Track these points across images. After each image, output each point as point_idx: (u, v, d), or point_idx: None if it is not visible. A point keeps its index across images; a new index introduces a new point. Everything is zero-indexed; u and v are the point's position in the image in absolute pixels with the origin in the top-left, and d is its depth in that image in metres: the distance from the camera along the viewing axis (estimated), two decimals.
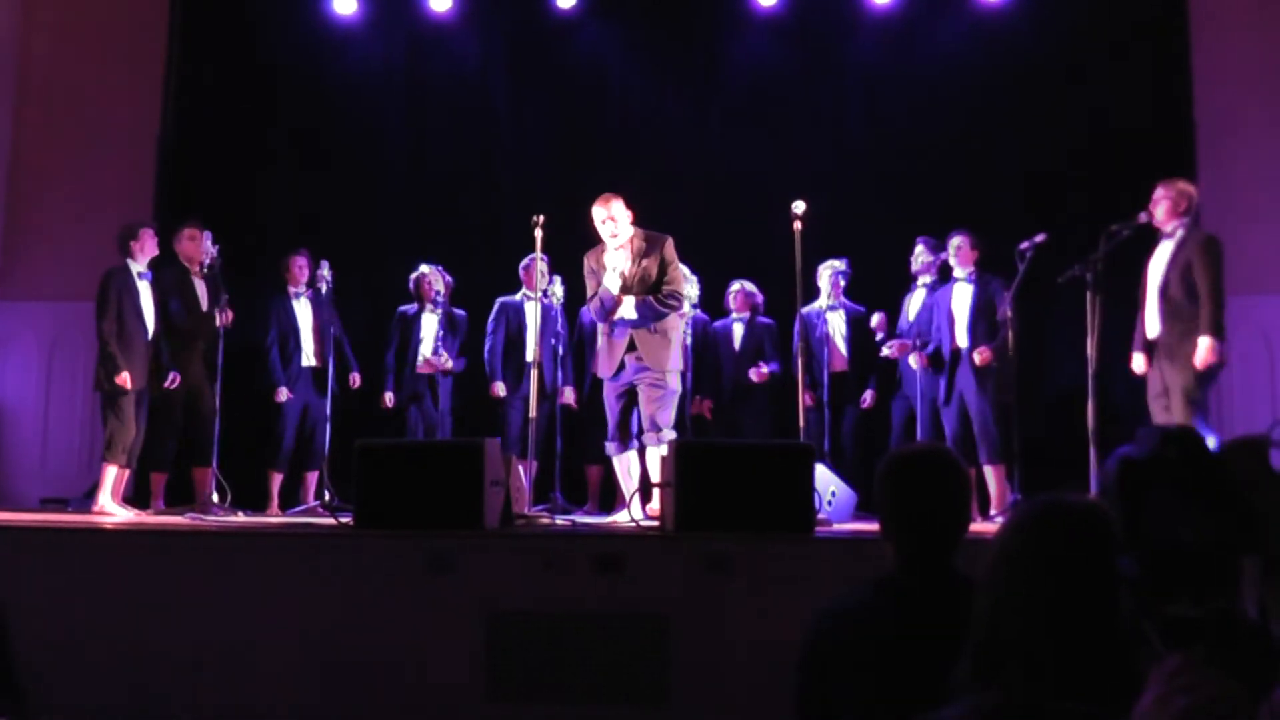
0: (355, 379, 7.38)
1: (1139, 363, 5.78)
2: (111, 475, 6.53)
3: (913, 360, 6.89)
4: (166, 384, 6.73)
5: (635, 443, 5.90)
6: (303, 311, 7.37)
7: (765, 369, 7.46)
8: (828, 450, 7.11)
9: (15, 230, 8.39)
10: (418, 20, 8.60)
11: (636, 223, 5.97)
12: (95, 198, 8.17)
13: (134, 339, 6.61)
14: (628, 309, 5.85)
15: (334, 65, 8.57)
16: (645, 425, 5.81)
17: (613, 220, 5.89)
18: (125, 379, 6.49)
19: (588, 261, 6.06)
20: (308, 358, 7.33)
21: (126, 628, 4.44)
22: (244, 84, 8.46)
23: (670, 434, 5.73)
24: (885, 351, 7.10)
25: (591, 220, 5.96)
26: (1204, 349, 5.50)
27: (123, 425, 6.54)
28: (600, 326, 6.04)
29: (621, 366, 5.89)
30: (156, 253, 6.86)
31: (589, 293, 6.06)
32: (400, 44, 8.67)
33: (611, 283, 5.88)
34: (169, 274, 6.95)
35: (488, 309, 7.58)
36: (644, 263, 5.89)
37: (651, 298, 5.86)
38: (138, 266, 6.73)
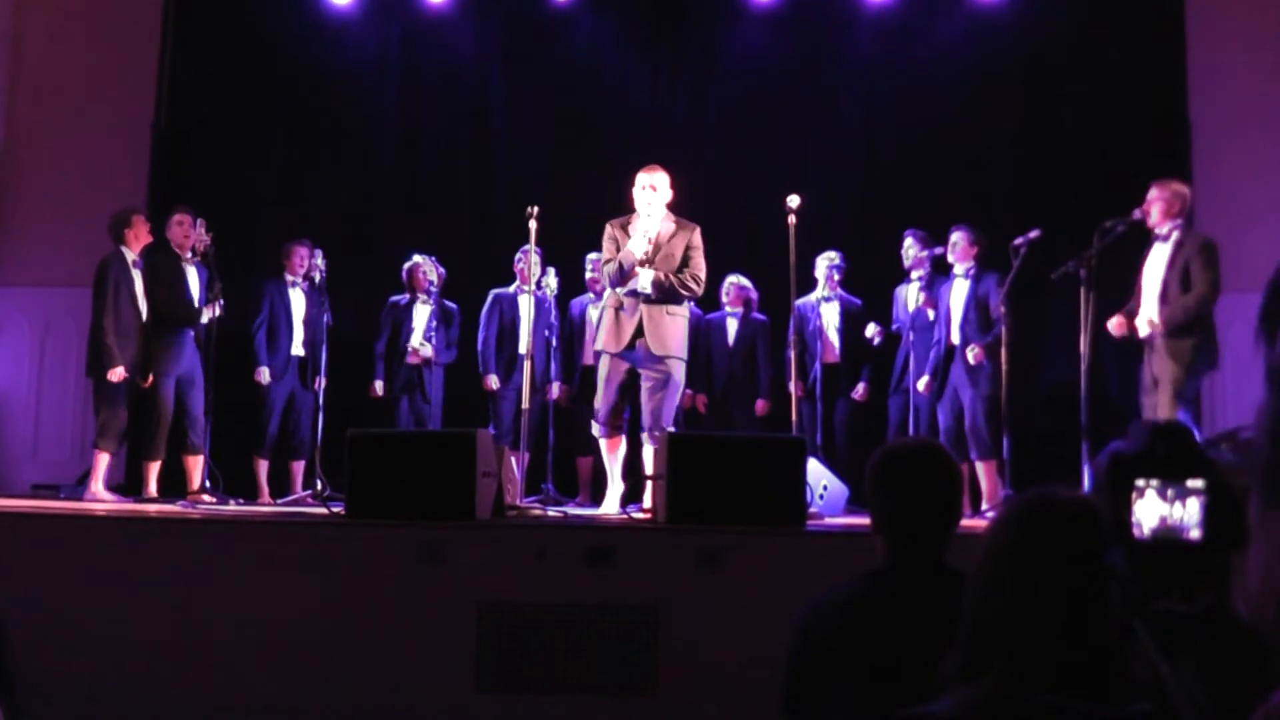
0: (319, 382, 7.10)
1: (1114, 324, 5.80)
2: (104, 462, 6.52)
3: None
4: (144, 383, 6.68)
5: (625, 429, 5.88)
6: (297, 300, 7.35)
7: (876, 336, 7.14)
8: (820, 444, 7.11)
9: (8, 215, 8.35)
10: (414, 10, 8.57)
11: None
12: (89, 184, 8.12)
13: (129, 328, 6.59)
14: (644, 280, 5.78)
15: (329, 54, 8.53)
16: (647, 422, 5.77)
17: (653, 189, 5.85)
18: (119, 373, 6.47)
19: (610, 229, 5.97)
20: (296, 346, 7.31)
21: (117, 616, 4.44)
22: (239, 72, 8.42)
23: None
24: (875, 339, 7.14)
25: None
26: (1149, 321, 5.62)
27: (115, 413, 6.52)
28: (608, 299, 5.95)
29: (629, 347, 5.80)
30: (150, 240, 6.84)
31: (604, 258, 6.00)
32: (396, 34, 8.63)
33: (637, 246, 5.80)
34: (160, 261, 6.90)
35: (481, 300, 7.56)
36: (670, 243, 5.84)
37: (672, 275, 5.80)
38: (131, 254, 6.70)
